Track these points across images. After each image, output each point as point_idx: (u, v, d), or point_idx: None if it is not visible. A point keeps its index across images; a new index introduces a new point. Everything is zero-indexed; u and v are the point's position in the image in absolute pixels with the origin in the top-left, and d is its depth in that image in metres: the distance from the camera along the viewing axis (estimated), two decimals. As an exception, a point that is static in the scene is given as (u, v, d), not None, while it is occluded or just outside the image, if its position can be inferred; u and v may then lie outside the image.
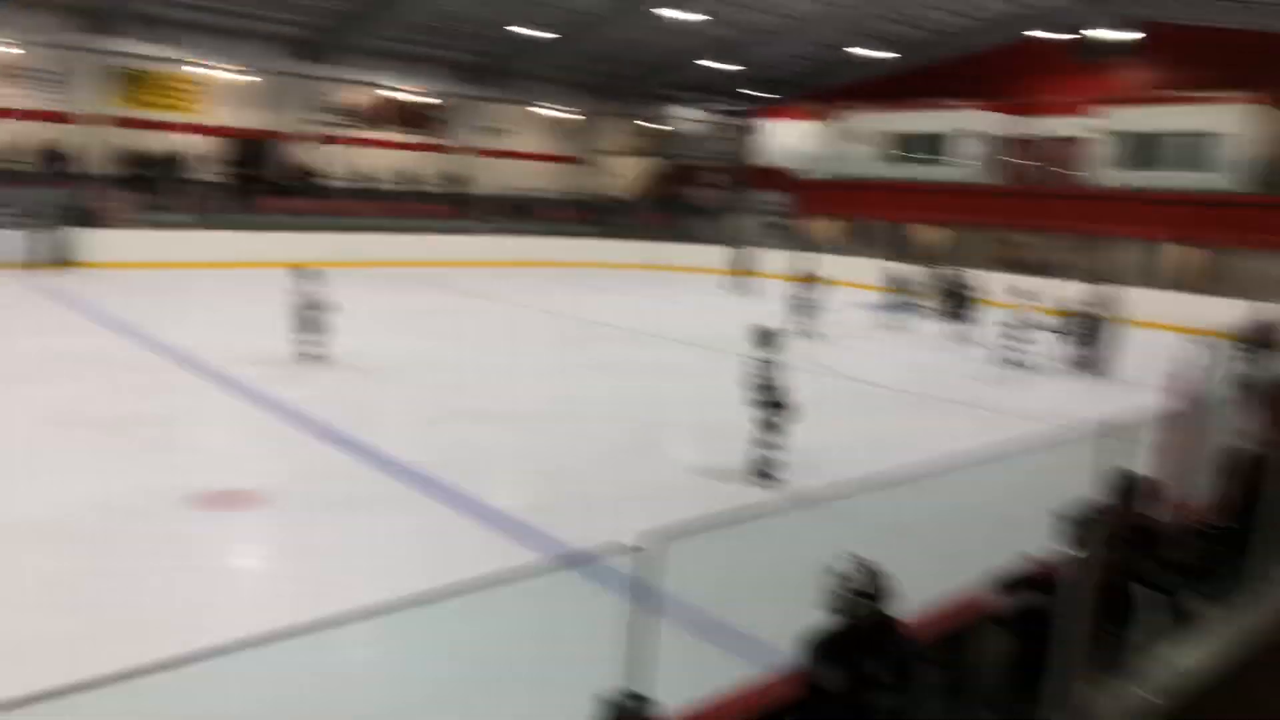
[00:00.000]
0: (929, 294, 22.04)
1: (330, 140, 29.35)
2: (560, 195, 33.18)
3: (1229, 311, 16.23)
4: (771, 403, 8.58)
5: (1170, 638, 2.44)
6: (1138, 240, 24.30)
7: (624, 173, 36.97)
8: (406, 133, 31.39)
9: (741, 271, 25.47)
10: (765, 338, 8.77)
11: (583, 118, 35.02)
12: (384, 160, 30.44)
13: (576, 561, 1.54)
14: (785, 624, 3.31)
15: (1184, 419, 5.37)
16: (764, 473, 8.57)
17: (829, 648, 3.12)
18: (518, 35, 26.95)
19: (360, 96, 30.03)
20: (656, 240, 30.34)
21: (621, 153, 36.08)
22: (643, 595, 1.68)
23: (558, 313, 19.63)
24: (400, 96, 30.46)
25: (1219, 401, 5.04)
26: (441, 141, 32.01)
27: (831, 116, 32.84)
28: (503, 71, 30.15)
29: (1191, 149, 24.87)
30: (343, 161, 29.35)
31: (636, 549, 1.44)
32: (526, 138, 34.44)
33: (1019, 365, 15.52)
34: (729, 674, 3.61)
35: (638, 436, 10.45)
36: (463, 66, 30.37)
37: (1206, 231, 23.40)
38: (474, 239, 28.40)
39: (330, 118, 29.43)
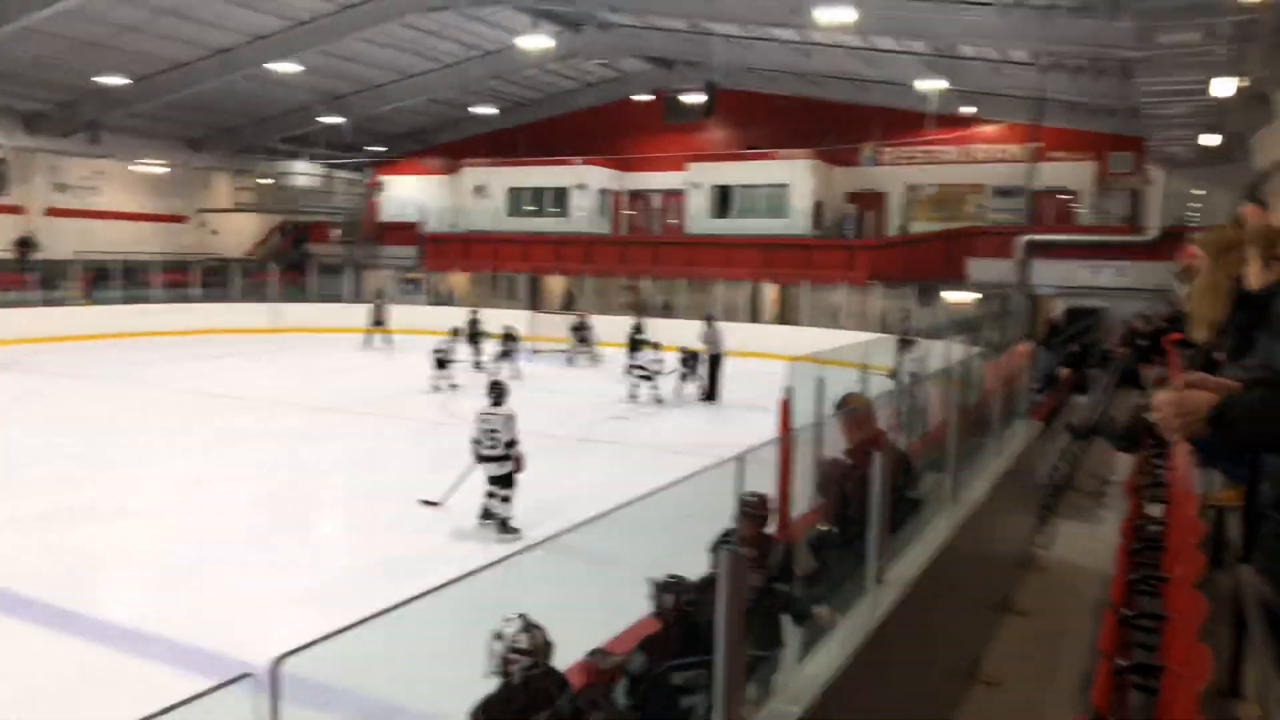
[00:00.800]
0: (560, 340, 23.15)
1: None
2: (165, 258, 30.13)
3: (810, 338, 18.85)
4: (504, 456, 8.68)
5: (810, 649, 2.82)
6: (732, 280, 27.47)
7: (239, 231, 34.56)
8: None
9: (374, 329, 24.90)
10: (496, 390, 9.06)
11: (186, 172, 32.25)
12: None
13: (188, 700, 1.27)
14: (465, 697, 3.30)
15: (792, 437, 6.15)
16: (506, 526, 8.56)
17: (493, 712, 3.14)
18: (98, 84, 24.23)
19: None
20: (280, 301, 28.67)
21: (234, 209, 33.68)
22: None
23: (171, 388, 17.74)
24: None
25: (821, 418, 5.84)
26: (5, 200, 27.77)
27: (454, 171, 33.40)
28: (84, 122, 26.85)
29: (766, 199, 28.73)
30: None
31: (276, 664, 1.28)
32: (119, 195, 30.95)
33: (655, 401, 16.81)
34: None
35: (287, 514, 9.79)
36: (32, 116, 26.64)
37: (782, 269, 27.12)
38: (56, 310, 24.91)
39: None
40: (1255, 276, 3.06)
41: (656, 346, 17.27)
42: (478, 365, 19.58)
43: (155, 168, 30.69)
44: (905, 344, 13.80)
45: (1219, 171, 22.48)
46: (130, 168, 30.38)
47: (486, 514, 8.78)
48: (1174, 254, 17.97)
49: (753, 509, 4.28)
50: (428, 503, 9.31)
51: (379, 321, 24.83)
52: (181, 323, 25.92)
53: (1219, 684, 3.29)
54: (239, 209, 33.10)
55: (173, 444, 13.03)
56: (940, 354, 11.94)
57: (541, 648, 3.26)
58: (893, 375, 11.84)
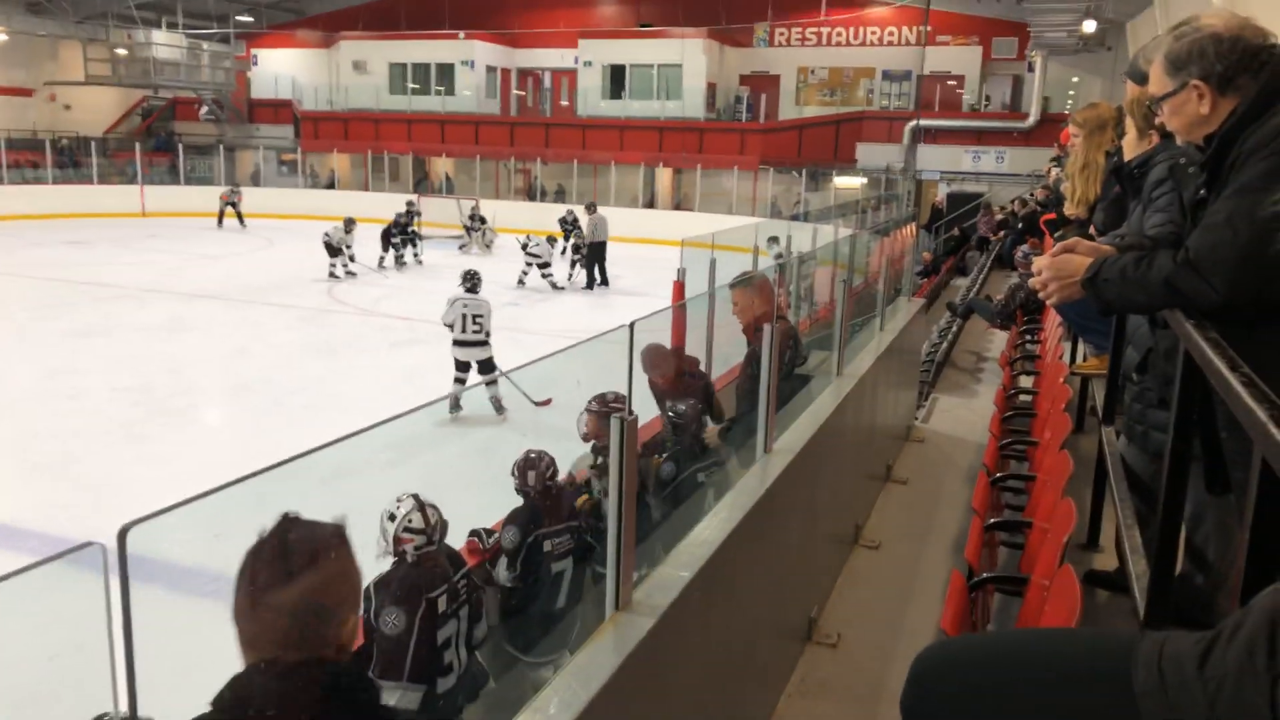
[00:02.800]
0: (448, 226, 22.56)
1: None
2: (11, 135, 27.63)
3: (704, 223, 18.86)
4: (486, 341, 9.20)
5: (702, 517, 2.85)
6: (625, 165, 27.03)
7: (95, 107, 31.91)
8: None
9: (229, 214, 23.91)
10: (474, 278, 9.48)
11: (29, 40, 29.37)
12: None
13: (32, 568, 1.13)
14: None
15: (684, 311, 6.17)
16: (500, 405, 8.79)
17: (388, 591, 3.11)
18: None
19: None
20: (145, 184, 26.84)
21: (87, 83, 30.94)
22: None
23: (30, 275, 16.55)
24: None
25: (715, 294, 5.87)
26: None
27: (330, 45, 31.42)
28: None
29: (659, 80, 28.11)
30: None
31: (123, 532, 1.13)
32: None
33: (551, 287, 16.64)
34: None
35: (161, 406, 9.36)
36: None
37: (675, 154, 26.83)
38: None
39: None
40: (1131, 146, 3.14)
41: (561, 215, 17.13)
42: (409, 258, 18.85)
43: (-8, 34, 27.88)
44: (772, 240, 14.03)
45: (1096, 59, 23.08)
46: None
47: (499, 406, 8.83)
48: (1051, 140, 18.54)
49: (602, 405, 4.09)
50: (540, 403, 8.76)
51: (232, 204, 23.86)
52: (35, 206, 24.02)
53: (1079, 538, 3.53)
54: (92, 82, 30.42)
55: (35, 334, 12.24)
56: (828, 236, 12.13)
57: (435, 526, 3.23)
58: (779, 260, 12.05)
